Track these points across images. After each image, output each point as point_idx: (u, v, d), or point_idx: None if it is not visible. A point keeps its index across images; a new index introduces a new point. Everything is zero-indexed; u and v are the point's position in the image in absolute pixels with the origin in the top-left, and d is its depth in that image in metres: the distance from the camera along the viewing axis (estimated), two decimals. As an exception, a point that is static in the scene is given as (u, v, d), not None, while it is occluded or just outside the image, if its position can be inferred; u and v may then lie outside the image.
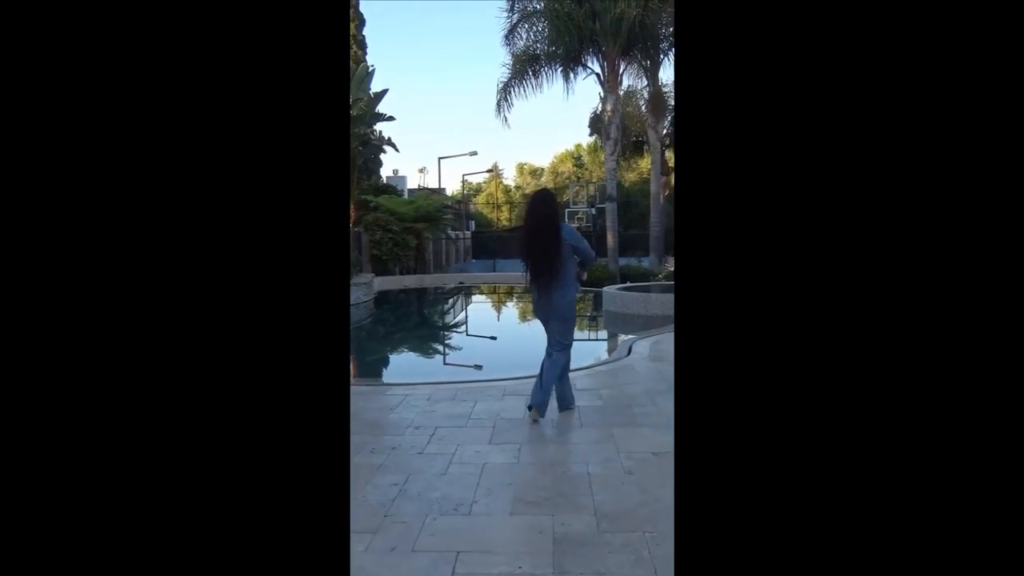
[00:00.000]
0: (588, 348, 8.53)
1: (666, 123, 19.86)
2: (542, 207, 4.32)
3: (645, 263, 16.99)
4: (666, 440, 3.83)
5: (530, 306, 14.73)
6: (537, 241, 4.24)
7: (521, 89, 17.07)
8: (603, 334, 9.66)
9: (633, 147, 22.21)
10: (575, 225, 21.70)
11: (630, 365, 6.03)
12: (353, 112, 17.00)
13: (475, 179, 55.05)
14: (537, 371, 4.47)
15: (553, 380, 4.35)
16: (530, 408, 4.33)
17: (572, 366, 4.74)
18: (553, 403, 4.62)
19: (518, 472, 3.40)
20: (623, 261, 17.00)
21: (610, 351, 7.54)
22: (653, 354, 6.55)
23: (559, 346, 4.38)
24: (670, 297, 9.85)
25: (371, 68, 19.12)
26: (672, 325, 8.45)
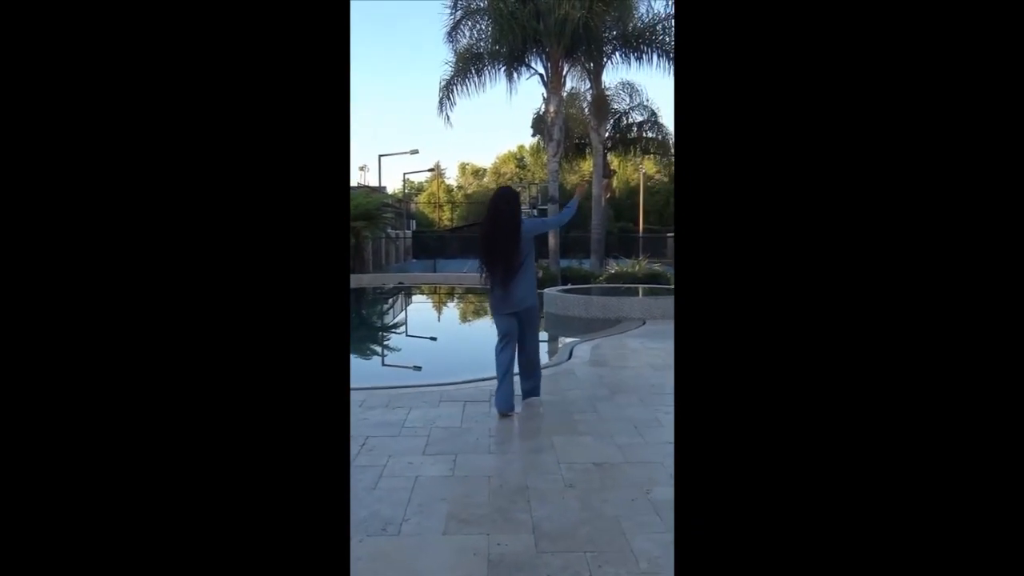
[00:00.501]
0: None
1: (608, 126, 19.95)
2: (504, 205, 4.35)
3: (586, 265, 16.99)
4: (607, 450, 3.70)
5: (471, 307, 14.41)
6: (497, 239, 4.28)
7: (464, 87, 16.85)
8: (543, 337, 9.52)
9: (575, 149, 22.22)
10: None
11: (570, 370, 5.90)
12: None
13: (417, 178, 54.51)
14: (493, 373, 4.53)
15: (538, 368, 4.68)
16: (530, 399, 4.64)
17: (514, 372, 4.65)
18: (495, 407, 4.44)
19: (453, 486, 3.20)
20: (564, 263, 16.95)
21: (550, 355, 7.39)
22: (594, 358, 6.44)
23: (534, 335, 4.56)
24: (611, 300, 9.80)
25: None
26: (611, 328, 8.40)
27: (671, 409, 4.52)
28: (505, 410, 4.38)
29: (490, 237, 4.33)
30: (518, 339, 4.51)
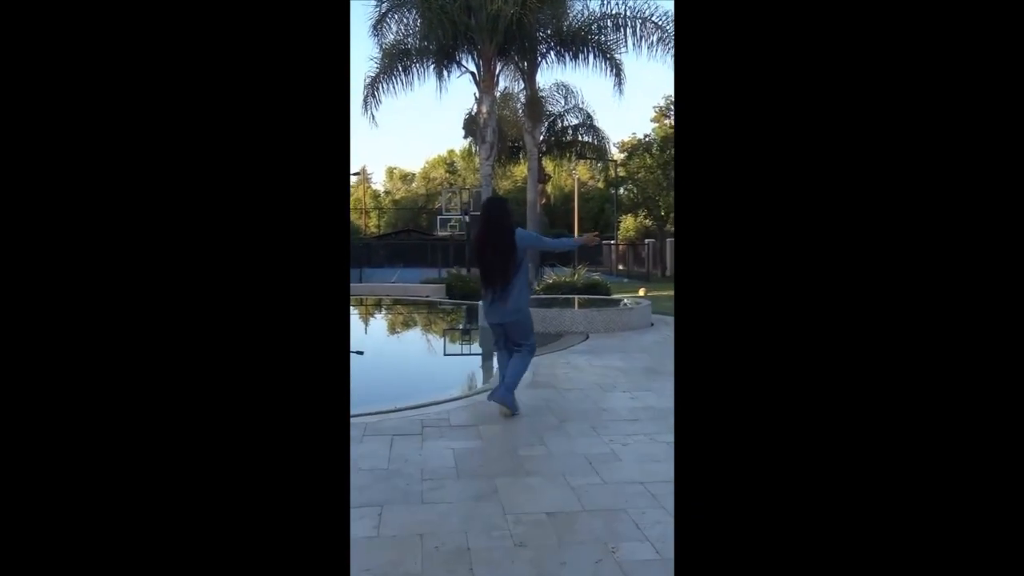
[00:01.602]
0: (460, 373, 7.92)
1: (542, 129, 19.70)
2: (496, 213, 4.57)
3: (521, 274, 16.58)
4: (561, 495, 3.25)
5: (399, 317, 13.85)
6: (489, 247, 4.47)
7: (391, 86, 16.33)
8: (477, 356, 9.04)
9: (509, 153, 21.92)
10: (448, 234, 21.14)
11: (512, 393, 5.44)
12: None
13: (341, 182, 53.30)
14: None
15: (518, 378, 4.68)
16: (506, 405, 4.62)
17: (440, 397, 5.16)
18: (417, 454, 3.96)
19: (378, 550, 2.69)
20: (499, 272, 16.51)
21: (487, 376, 6.93)
22: (537, 379, 6.00)
23: (524, 347, 4.70)
24: (550, 312, 9.41)
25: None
26: (553, 344, 8.01)
27: (628, 440, 4.13)
28: (509, 408, 4.62)
29: (484, 245, 4.52)
30: (509, 348, 4.75)
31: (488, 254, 4.50)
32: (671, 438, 4.13)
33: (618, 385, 5.77)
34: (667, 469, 3.56)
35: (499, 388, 4.65)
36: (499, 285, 4.46)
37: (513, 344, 4.72)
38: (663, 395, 5.35)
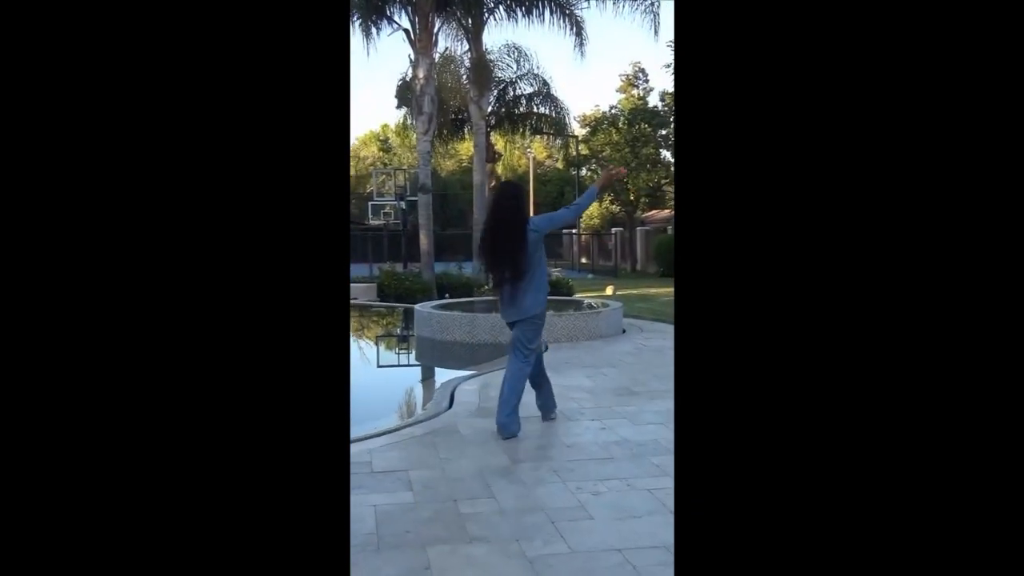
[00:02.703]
0: (391, 396, 7.46)
1: (491, 98, 19.30)
2: (506, 202, 4.78)
3: (467, 270, 16.23)
4: (516, 570, 2.83)
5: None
6: (499, 238, 4.64)
7: (308, 45, 15.72)
8: (415, 371, 8.58)
9: (452, 126, 21.48)
10: (382, 222, 20.62)
11: (452, 425, 5.02)
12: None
13: (255, 162, 52.48)
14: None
15: (515, 395, 4.72)
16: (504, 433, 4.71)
17: (362, 431, 4.84)
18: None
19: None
20: (439, 267, 16.16)
21: (424, 401, 6.49)
22: (484, 405, 5.58)
23: (524, 352, 4.76)
24: (498, 318, 9.03)
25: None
26: (502, 359, 7.62)
27: (599, 487, 3.74)
28: (548, 414, 5.11)
29: (493, 236, 4.68)
30: (512, 348, 4.83)
31: (498, 247, 4.66)
32: (654, 483, 3.76)
33: (585, 411, 5.41)
34: (652, 528, 3.17)
35: (500, 412, 4.74)
36: (511, 282, 4.62)
37: (519, 347, 4.77)
38: (641, 423, 5.00)
